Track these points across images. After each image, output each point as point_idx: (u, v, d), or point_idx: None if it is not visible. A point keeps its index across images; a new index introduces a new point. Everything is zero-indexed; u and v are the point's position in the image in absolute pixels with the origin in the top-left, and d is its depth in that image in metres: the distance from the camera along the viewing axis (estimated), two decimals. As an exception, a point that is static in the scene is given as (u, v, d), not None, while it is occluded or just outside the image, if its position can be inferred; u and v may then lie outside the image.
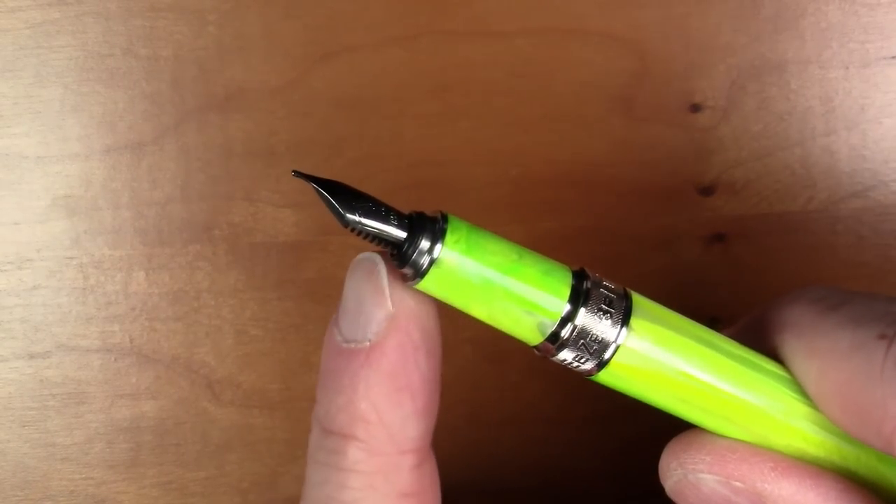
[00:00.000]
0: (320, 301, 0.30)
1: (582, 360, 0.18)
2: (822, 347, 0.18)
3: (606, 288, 0.18)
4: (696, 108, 0.30)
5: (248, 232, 0.29)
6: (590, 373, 0.18)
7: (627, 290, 0.19)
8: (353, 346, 0.18)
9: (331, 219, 0.18)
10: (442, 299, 0.18)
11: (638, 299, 0.19)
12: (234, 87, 0.29)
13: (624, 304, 0.18)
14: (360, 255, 0.18)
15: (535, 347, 0.18)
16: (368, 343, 0.18)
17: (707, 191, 0.30)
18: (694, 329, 0.19)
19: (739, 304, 0.30)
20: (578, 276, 0.18)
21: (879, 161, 0.30)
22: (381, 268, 0.18)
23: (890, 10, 0.30)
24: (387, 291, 0.18)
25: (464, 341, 0.30)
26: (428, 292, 0.18)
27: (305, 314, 0.30)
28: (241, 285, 0.29)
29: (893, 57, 0.30)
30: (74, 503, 0.30)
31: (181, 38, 0.29)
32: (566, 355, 0.18)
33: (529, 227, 0.30)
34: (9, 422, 0.29)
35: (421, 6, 0.29)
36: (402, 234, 0.17)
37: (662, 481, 0.20)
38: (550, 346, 0.18)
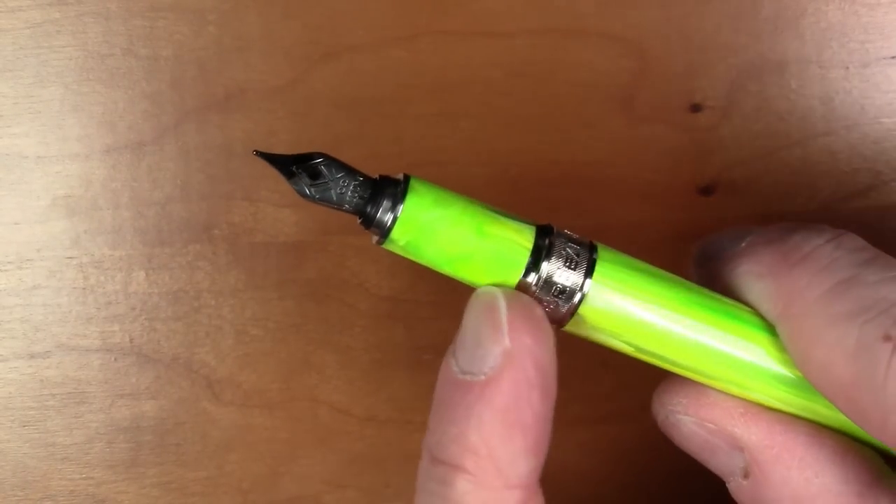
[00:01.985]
0: (320, 301, 0.30)
1: (553, 307, 0.19)
2: (826, 340, 0.18)
3: (571, 239, 0.19)
4: (696, 108, 0.30)
5: (248, 232, 0.29)
6: (562, 320, 0.19)
7: (594, 242, 0.19)
8: (468, 378, 0.18)
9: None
10: (409, 257, 0.19)
11: (605, 250, 0.19)
12: (234, 87, 0.29)
13: (589, 255, 0.19)
14: (482, 289, 0.19)
15: None
16: (484, 377, 0.18)
17: (707, 191, 0.30)
18: (662, 277, 0.19)
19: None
20: (542, 231, 0.19)
21: (879, 161, 0.30)
22: (502, 303, 0.18)
23: (890, 10, 0.30)
24: (505, 328, 0.18)
25: (464, 341, 0.30)
26: (395, 251, 0.19)
27: (305, 314, 0.30)
28: (241, 285, 0.29)
29: (893, 57, 0.30)
30: (74, 503, 0.30)
31: (181, 38, 0.29)
32: None
33: (529, 227, 0.30)
34: (9, 422, 0.29)
35: (421, 6, 0.29)
36: (360, 207, 0.18)
37: (654, 417, 0.21)
38: None
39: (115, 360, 0.29)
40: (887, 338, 0.17)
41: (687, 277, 0.20)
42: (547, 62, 0.30)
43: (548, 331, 0.18)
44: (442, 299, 0.30)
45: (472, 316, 0.19)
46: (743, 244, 0.20)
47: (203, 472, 0.30)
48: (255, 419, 0.30)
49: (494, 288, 0.19)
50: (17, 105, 0.29)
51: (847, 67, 0.30)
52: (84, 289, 0.29)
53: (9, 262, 0.29)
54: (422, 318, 0.30)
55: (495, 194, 0.30)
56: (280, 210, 0.29)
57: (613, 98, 0.30)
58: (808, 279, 0.18)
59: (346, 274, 0.30)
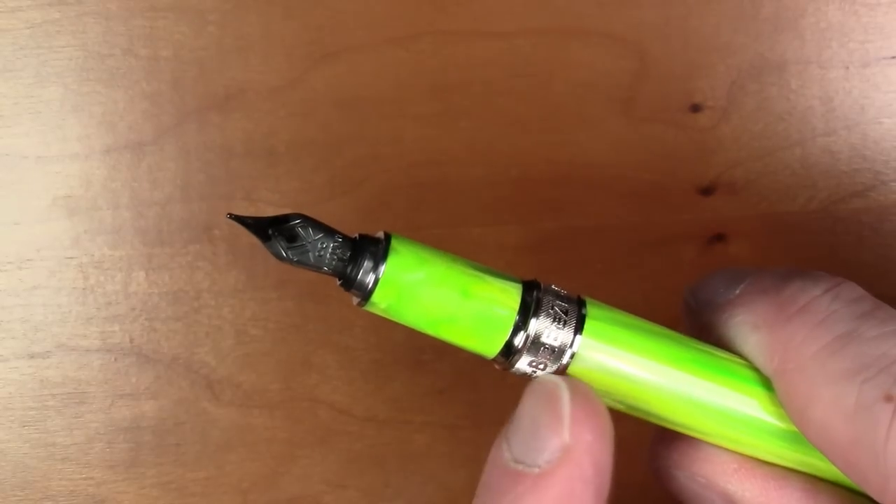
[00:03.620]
0: (320, 301, 0.30)
1: (542, 369, 0.18)
2: (824, 398, 0.17)
3: (559, 296, 0.18)
4: (696, 108, 0.30)
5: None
6: None
7: (582, 297, 0.19)
8: (521, 468, 0.17)
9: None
10: (392, 319, 0.18)
11: (594, 306, 0.19)
12: (234, 87, 0.29)
13: (578, 311, 0.18)
14: (544, 377, 0.18)
15: (493, 360, 0.18)
16: (538, 469, 0.17)
17: (707, 191, 0.30)
18: (653, 332, 0.19)
19: (739, 304, 0.30)
20: (529, 287, 0.18)
21: (879, 161, 0.30)
22: (565, 395, 0.17)
23: (890, 10, 0.30)
24: (566, 421, 0.17)
25: (464, 341, 0.30)
26: (378, 313, 0.18)
27: (305, 314, 0.30)
28: (241, 285, 0.29)
29: (893, 57, 0.30)
30: (74, 503, 0.30)
31: (181, 38, 0.29)
32: (522, 365, 0.18)
33: (529, 227, 0.30)
34: (9, 422, 0.29)
35: (421, 6, 0.29)
36: (340, 269, 0.18)
37: (648, 467, 0.21)
38: (504, 358, 0.18)
39: (115, 360, 0.29)
40: (888, 398, 0.16)
41: (674, 325, 0.20)
42: (547, 62, 0.30)
43: (610, 428, 0.18)
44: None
45: (531, 403, 0.18)
46: (737, 291, 0.20)
47: (203, 472, 0.30)
48: (255, 419, 0.30)
49: (557, 377, 0.18)
50: (17, 105, 0.29)
51: (847, 67, 0.30)
52: (84, 289, 0.29)
53: (9, 262, 0.29)
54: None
55: (495, 194, 0.30)
56: (280, 210, 0.29)
57: (613, 98, 0.30)
58: (804, 333, 0.18)
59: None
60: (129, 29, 0.29)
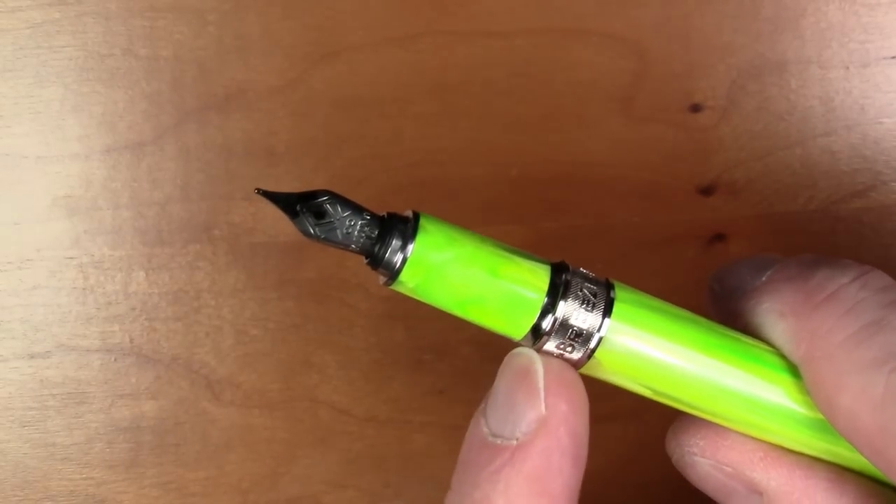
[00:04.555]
0: (320, 301, 0.30)
1: (569, 351, 0.18)
2: (851, 387, 0.17)
3: (588, 279, 0.18)
4: (696, 108, 0.30)
5: (248, 232, 0.29)
6: (578, 363, 0.18)
7: (610, 280, 0.19)
8: (498, 441, 0.17)
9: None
10: (418, 299, 0.18)
11: (622, 290, 0.18)
12: (234, 87, 0.29)
13: (606, 295, 0.18)
14: (517, 350, 0.18)
15: (521, 342, 0.18)
16: (515, 442, 0.17)
17: (707, 191, 0.30)
18: (681, 317, 0.19)
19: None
20: (558, 269, 0.18)
21: (879, 161, 0.30)
22: (538, 367, 0.18)
23: (890, 10, 0.30)
24: (542, 393, 0.17)
25: (464, 341, 0.30)
26: (405, 292, 0.18)
27: (305, 314, 0.30)
28: (241, 285, 0.29)
29: (893, 57, 0.30)
30: (74, 503, 0.30)
31: (181, 38, 0.29)
32: (550, 347, 0.18)
33: (529, 227, 0.30)
34: (9, 422, 0.29)
35: (421, 6, 0.29)
36: (368, 247, 0.17)
37: (669, 455, 0.21)
38: (532, 340, 0.18)
39: (115, 360, 0.29)
40: None
41: (696, 308, 0.19)
42: (547, 62, 0.30)
43: (584, 398, 0.18)
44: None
45: (507, 378, 0.18)
46: (764, 278, 0.20)
47: (203, 472, 0.30)
48: (254, 419, 0.30)
49: (530, 350, 0.18)
50: (17, 105, 0.29)
51: (847, 67, 0.30)
52: (84, 289, 0.29)
53: (9, 262, 0.29)
54: (422, 318, 0.30)
55: (495, 194, 0.30)
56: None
57: (613, 98, 0.30)
58: (832, 321, 0.18)
59: (346, 274, 0.30)
60: (128, 29, 0.29)
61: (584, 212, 0.30)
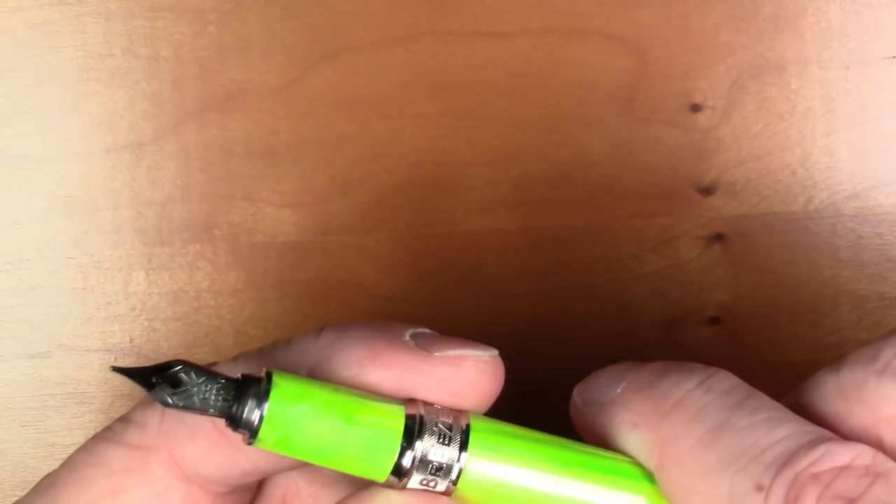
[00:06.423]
0: (320, 301, 0.30)
1: (433, 486, 0.18)
2: (700, 491, 0.17)
3: (441, 413, 0.19)
4: (696, 108, 0.30)
5: (248, 232, 0.29)
6: (447, 493, 0.19)
7: (466, 412, 0.19)
8: None
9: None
10: (283, 454, 0.18)
11: (476, 420, 0.19)
12: (234, 87, 0.29)
13: (461, 427, 0.19)
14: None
15: (386, 483, 0.19)
16: None
17: (707, 191, 0.30)
18: (538, 440, 0.19)
19: (739, 304, 0.30)
20: (411, 406, 0.19)
21: (879, 161, 0.30)
22: None
23: (890, 10, 0.30)
24: None
25: (464, 341, 0.30)
26: (268, 450, 0.18)
27: (305, 314, 0.30)
28: (241, 285, 0.29)
29: (893, 57, 0.30)
30: (74, 503, 0.30)
31: (181, 38, 0.29)
32: (415, 484, 0.18)
33: (529, 227, 0.30)
34: (9, 422, 0.29)
35: (421, 6, 0.29)
36: (225, 410, 0.18)
37: None
38: (396, 479, 0.18)
39: (115, 360, 0.29)
40: (759, 487, 0.17)
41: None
42: (547, 62, 0.30)
43: None
44: (440, 299, 0.30)
45: None
46: (618, 390, 0.20)
47: (203, 472, 0.30)
48: (254, 419, 0.30)
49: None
50: (17, 105, 0.29)
51: (847, 67, 0.30)
52: (84, 289, 0.29)
53: (9, 262, 0.29)
54: (421, 318, 0.30)
55: (495, 194, 0.30)
56: (280, 210, 0.29)
57: (613, 98, 0.30)
58: (679, 428, 0.18)
59: (346, 274, 0.30)
60: (129, 29, 0.29)
61: (584, 212, 0.30)
